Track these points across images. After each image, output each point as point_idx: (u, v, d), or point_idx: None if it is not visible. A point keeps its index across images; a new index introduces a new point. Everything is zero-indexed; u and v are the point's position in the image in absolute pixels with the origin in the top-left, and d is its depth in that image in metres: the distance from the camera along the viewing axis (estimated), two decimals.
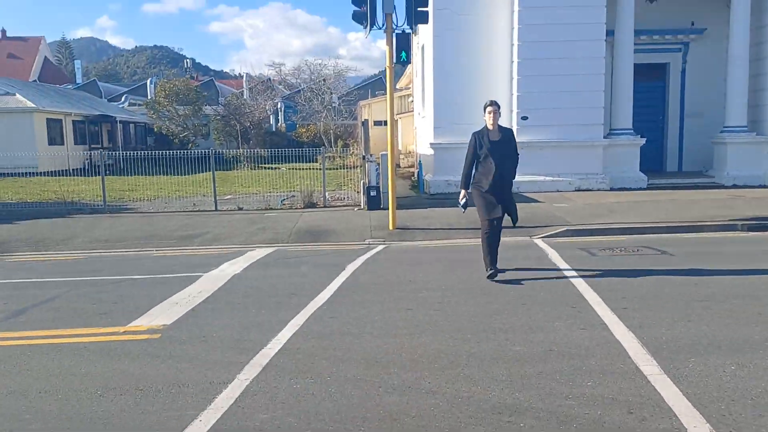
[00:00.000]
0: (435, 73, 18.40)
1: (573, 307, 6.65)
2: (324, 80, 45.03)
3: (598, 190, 17.95)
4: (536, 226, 12.55)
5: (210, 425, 4.16)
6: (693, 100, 20.51)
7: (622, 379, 4.72)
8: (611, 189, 18.02)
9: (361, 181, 15.92)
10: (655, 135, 20.00)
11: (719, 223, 12.38)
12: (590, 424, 4.01)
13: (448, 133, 18.09)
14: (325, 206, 16.45)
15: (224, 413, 4.33)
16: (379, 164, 15.34)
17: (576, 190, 17.87)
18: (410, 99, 30.74)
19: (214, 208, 16.54)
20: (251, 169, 25.26)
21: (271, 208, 16.51)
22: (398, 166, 31.99)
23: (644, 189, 18.08)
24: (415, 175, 20.92)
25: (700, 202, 15.24)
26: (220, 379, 4.92)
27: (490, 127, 8.08)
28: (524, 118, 17.95)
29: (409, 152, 29.70)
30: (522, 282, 7.90)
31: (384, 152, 14.75)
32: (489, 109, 8.07)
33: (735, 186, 18.11)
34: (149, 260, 10.69)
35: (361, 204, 15.75)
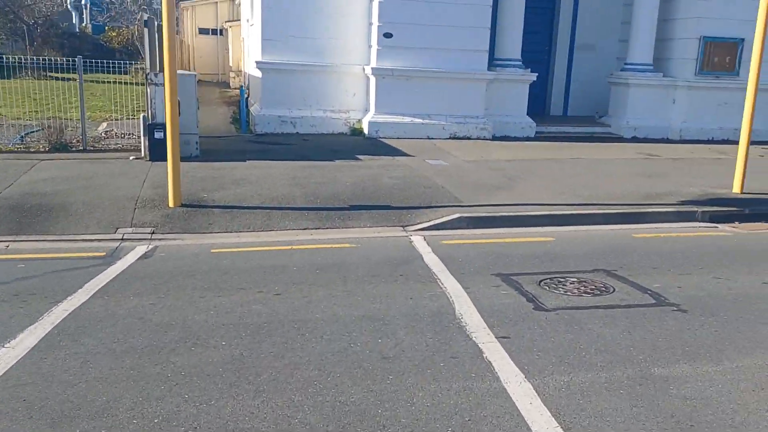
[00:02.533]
0: None
1: None
2: None
3: (478, 138, 13.62)
4: (410, 207, 7.87)
5: None
6: (586, 28, 16.54)
7: None
8: (493, 137, 13.77)
9: (141, 115, 10.24)
10: (538, 69, 15.65)
11: (666, 205, 8.49)
12: None
13: (282, 49, 12.84)
14: (84, 149, 10.60)
15: None
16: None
17: (451, 138, 13.41)
18: (238, 2, 24.50)
19: None
20: (35, 79, 18.02)
21: None
22: (227, 86, 25.96)
23: (531, 139, 14.04)
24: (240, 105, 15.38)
25: (614, 164, 11.56)
26: None
27: None
28: (387, 35, 12.93)
29: (241, 71, 23.75)
30: None
31: (184, 72, 9.23)
32: None
33: (636, 138, 14.69)
34: None
35: (142, 150, 10.15)
